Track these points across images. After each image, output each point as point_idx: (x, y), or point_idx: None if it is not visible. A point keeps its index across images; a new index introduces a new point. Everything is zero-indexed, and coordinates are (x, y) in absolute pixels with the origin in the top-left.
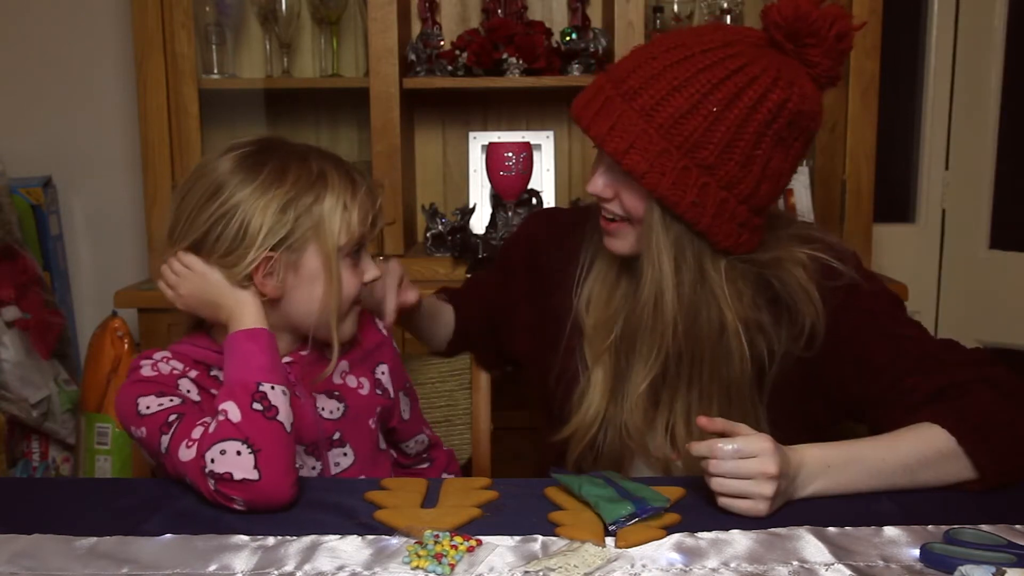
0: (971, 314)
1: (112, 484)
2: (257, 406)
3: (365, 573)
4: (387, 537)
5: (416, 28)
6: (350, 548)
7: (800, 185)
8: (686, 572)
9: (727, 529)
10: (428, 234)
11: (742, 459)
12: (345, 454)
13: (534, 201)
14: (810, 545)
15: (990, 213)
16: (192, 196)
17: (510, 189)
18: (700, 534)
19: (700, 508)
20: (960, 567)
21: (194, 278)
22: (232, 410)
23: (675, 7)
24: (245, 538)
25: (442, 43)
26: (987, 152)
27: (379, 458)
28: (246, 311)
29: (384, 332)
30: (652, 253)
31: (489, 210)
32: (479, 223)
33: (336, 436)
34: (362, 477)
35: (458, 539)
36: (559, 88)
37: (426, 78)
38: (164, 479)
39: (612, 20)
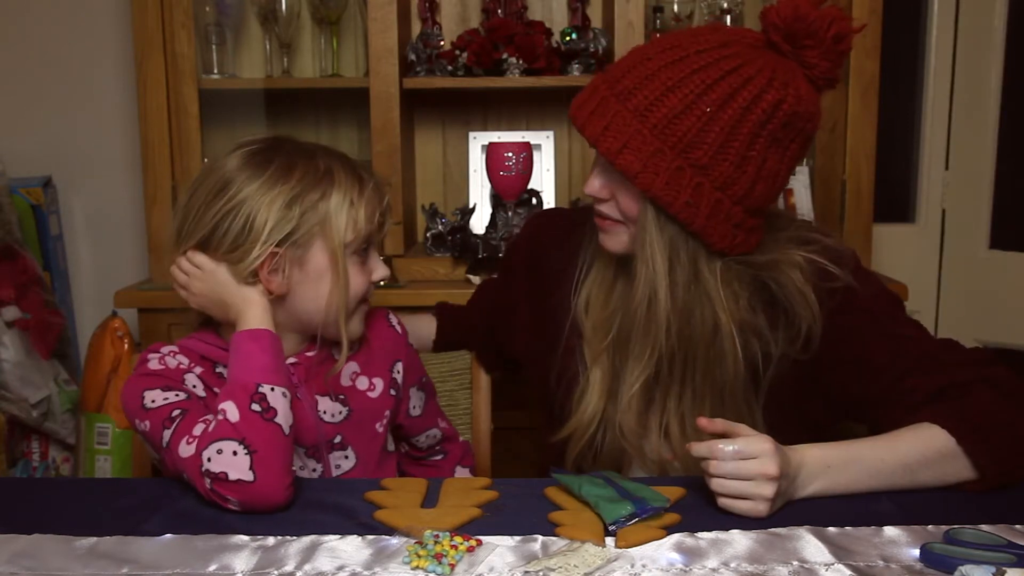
0: (971, 314)
1: (112, 484)
2: (255, 407)
3: (365, 573)
4: (387, 537)
5: (416, 28)
6: (350, 548)
7: (800, 185)
8: (686, 572)
9: (727, 529)
10: (428, 234)
11: (742, 460)
12: (346, 457)
13: (534, 201)
14: (810, 545)
15: (990, 213)
16: (200, 193)
17: (510, 189)
18: (700, 534)
19: (700, 508)
20: (960, 567)
21: (204, 276)
22: (231, 410)
23: (675, 7)
24: (245, 538)
25: (442, 43)
26: (987, 152)
27: (384, 461)
28: (251, 309)
29: (398, 329)
30: (646, 253)
31: (489, 210)
32: (479, 223)
33: (337, 439)
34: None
35: (458, 539)
36: (559, 88)
37: (426, 78)
38: (164, 479)
39: (612, 20)
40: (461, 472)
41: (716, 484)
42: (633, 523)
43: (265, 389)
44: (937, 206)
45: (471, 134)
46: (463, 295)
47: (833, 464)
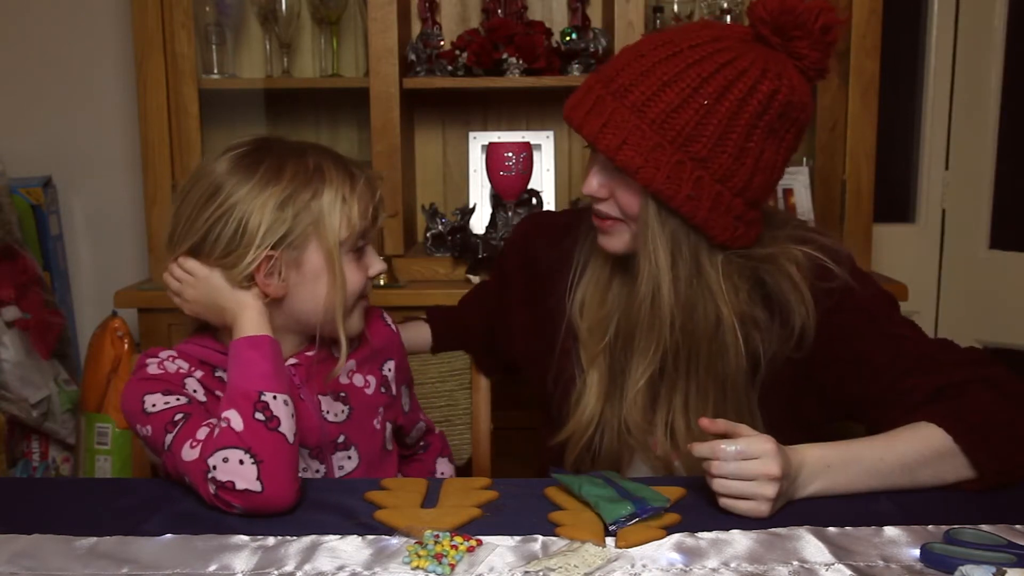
0: (971, 314)
1: (112, 484)
2: (259, 416)
3: (365, 573)
4: (387, 537)
5: (416, 28)
6: (350, 548)
7: (800, 185)
8: (686, 572)
9: (727, 529)
10: (428, 234)
11: (744, 460)
12: (349, 457)
13: (534, 201)
14: (810, 545)
15: (990, 213)
16: (190, 199)
17: (510, 189)
18: (700, 534)
19: (700, 508)
20: (960, 567)
21: (196, 283)
22: (235, 419)
23: (675, 7)
24: (245, 538)
25: (442, 43)
26: (987, 152)
27: (385, 459)
28: (247, 314)
29: (392, 327)
30: (648, 249)
31: (489, 210)
32: (479, 223)
33: (340, 439)
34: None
35: (458, 539)
36: (559, 88)
37: (426, 78)
38: (164, 480)
39: (612, 20)
40: (442, 463)
41: (718, 484)
42: (633, 523)
43: (267, 397)
44: (937, 206)
45: (471, 134)
46: (463, 295)
47: (833, 464)
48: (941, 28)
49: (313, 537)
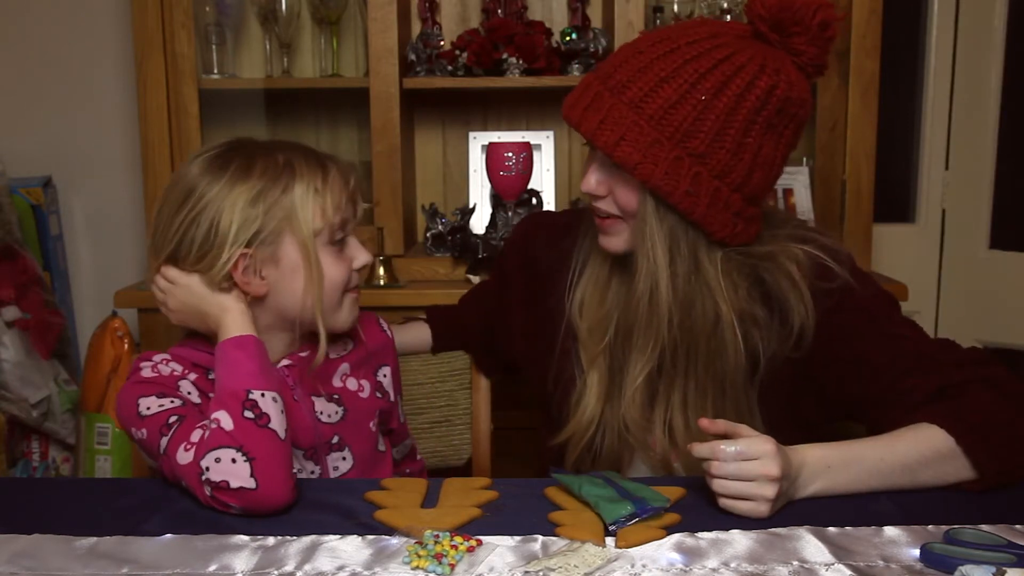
0: (971, 314)
1: (112, 484)
2: (248, 414)
3: (365, 573)
4: (387, 537)
5: (416, 28)
6: (350, 548)
7: (800, 185)
8: (686, 572)
9: (727, 529)
10: (428, 234)
11: (744, 461)
12: (344, 458)
13: (534, 201)
14: (810, 545)
15: (990, 213)
16: (166, 207)
17: (510, 189)
18: (700, 534)
19: (700, 508)
20: (960, 567)
21: (177, 291)
22: (224, 419)
23: (675, 7)
24: (245, 538)
25: (442, 43)
26: (987, 152)
27: (379, 460)
28: (229, 316)
29: (388, 333)
30: (646, 246)
31: (489, 210)
32: (479, 223)
33: (335, 440)
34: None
35: (458, 539)
36: (559, 88)
37: (426, 78)
38: (164, 480)
39: (612, 20)
40: None
41: (718, 485)
42: (633, 523)
43: (256, 395)
44: (937, 206)
45: (471, 134)
46: (463, 295)
47: (833, 464)
48: (941, 28)
49: (313, 537)
